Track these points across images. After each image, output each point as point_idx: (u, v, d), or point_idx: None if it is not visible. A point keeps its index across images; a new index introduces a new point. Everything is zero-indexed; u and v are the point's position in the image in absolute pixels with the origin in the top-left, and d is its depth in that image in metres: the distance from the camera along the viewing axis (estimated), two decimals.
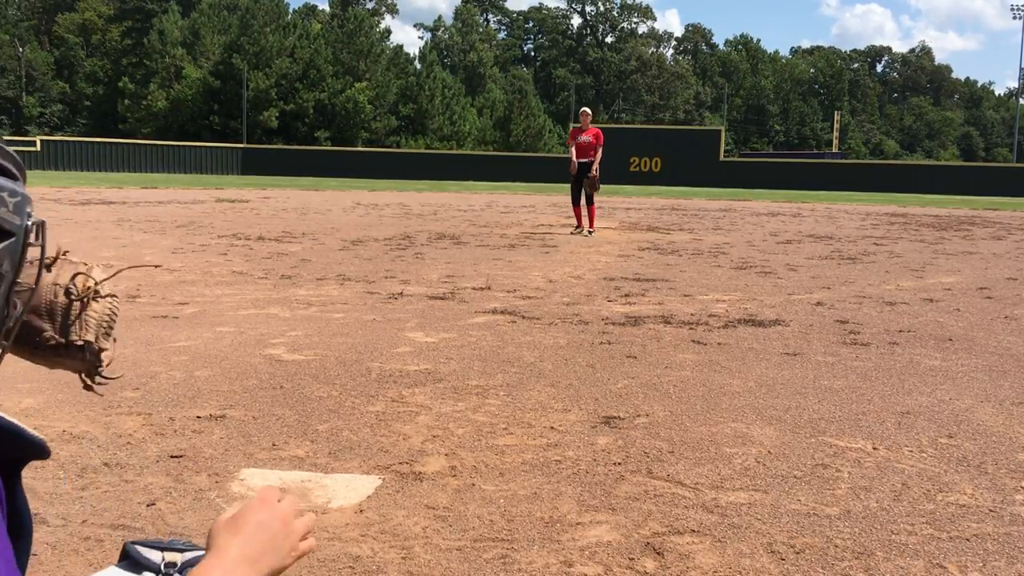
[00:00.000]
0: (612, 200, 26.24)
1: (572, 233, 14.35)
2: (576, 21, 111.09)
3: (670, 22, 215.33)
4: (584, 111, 14.89)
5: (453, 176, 41.43)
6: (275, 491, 1.03)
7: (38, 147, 41.70)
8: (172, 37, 62.54)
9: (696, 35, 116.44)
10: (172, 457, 3.43)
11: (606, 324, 6.38)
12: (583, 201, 14.37)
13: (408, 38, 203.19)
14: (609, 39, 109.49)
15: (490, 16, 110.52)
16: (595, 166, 14.28)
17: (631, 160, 41.60)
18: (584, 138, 14.46)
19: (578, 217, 14.63)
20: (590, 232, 14.24)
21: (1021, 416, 4.25)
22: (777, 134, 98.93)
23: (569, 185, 14.85)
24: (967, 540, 2.83)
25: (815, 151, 78.72)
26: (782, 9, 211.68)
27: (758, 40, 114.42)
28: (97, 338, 1.14)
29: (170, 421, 3.87)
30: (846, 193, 35.45)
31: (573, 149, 14.66)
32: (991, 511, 3.07)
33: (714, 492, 3.19)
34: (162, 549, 1.10)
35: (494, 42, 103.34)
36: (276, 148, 49.95)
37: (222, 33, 62.25)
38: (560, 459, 3.51)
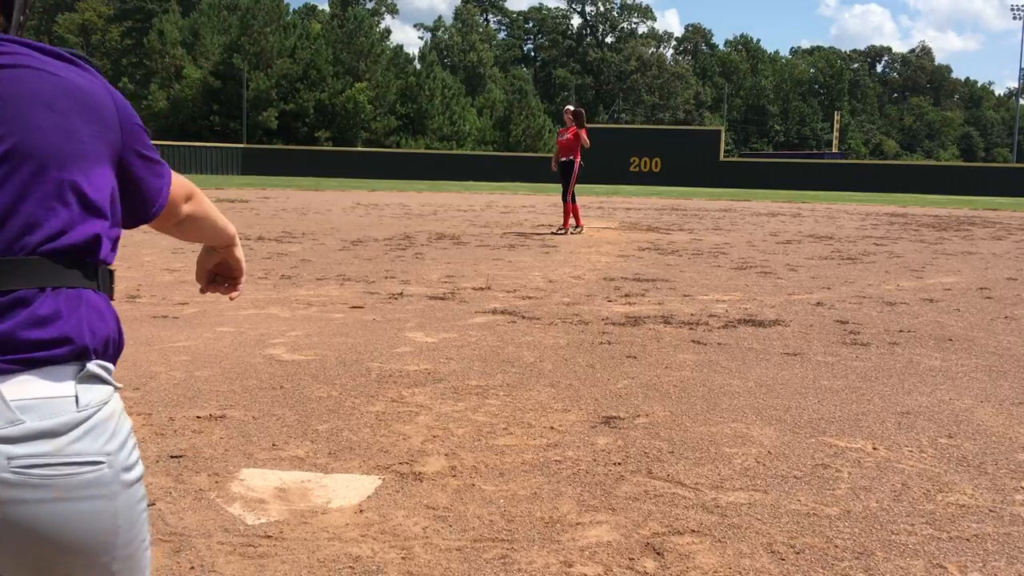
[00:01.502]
0: (612, 200, 26.26)
1: (558, 232, 14.33)
2: (576, 21, 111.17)
3: (670, 22, 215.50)
4: (566, 109, 14.80)
5: (453, 176, 41.41)
6: None
7: None
8: (172, 37, 62.51)
9: (696, 35, 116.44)
10: (172, 457, 3.43)
11: (606, 324, 6.39)
12: (571, 199, 14.35)
13: (408, 38, 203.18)
14: (609, 39, 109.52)
15: (490, 16, 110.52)
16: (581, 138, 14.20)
17: (631, 160, 41.61)
18: (565, 136, 14.46)
19: (574, 215, 14.61)
20: (564, 231, 14.23)
21: (1021, 416, 4.25)
22: (777, 134, 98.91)
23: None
24: (967, 540, 2.83)
25: (815, 151, 78.66)
26: (782, 9, 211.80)
27: (758, 40, 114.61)
28: None
29: (170, 421, 3.87)
30: (846, 193, 35.44)
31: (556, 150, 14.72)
32: (991, 511, 3.07)
33: (714, 492, 3.19)
34: None
35: (494, 42, 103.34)
36: (276, 148, 49.95)
37: (222, 33, 62.20)
38: (560, 459, 3.51)
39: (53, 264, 1.14)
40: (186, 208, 1.44)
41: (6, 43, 1.18)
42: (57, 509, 1.08)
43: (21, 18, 1.27)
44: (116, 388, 1.20)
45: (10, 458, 1.05)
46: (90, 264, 1.19)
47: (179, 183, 1.42)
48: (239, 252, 1.66)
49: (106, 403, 1.15)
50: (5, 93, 1.14)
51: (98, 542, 1.13)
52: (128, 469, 1.16)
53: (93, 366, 1.15)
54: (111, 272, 1.24)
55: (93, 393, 1.14)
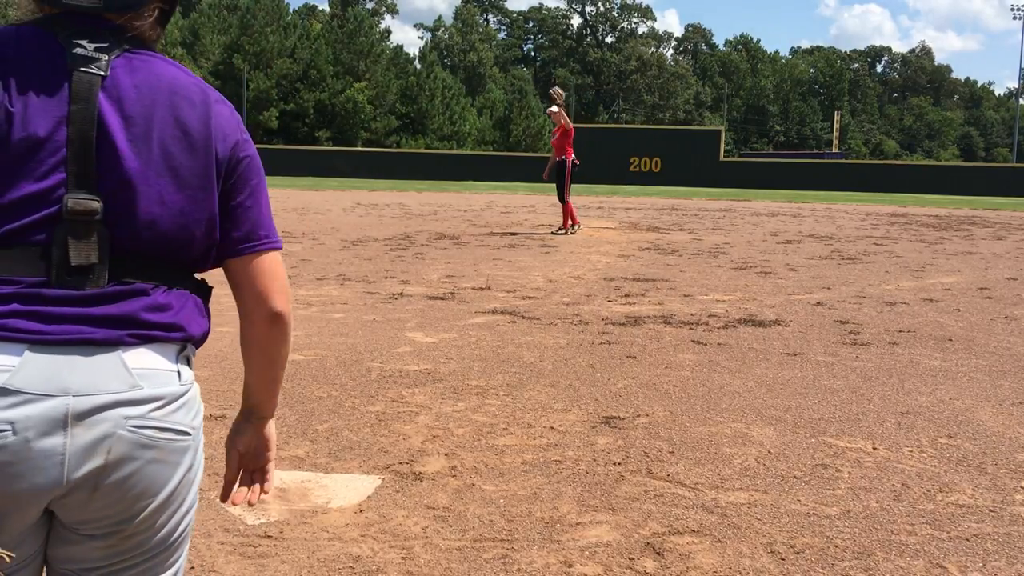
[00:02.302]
0: (612, 200, 26.26)
1: (558, 232, 14.33)
2: (576, 21, 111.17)
3: (670, 22, 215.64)
4: (550, 111, 14.72)
5: (453, 176, 41.39)
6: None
7: None
8: (172, 37, 62.45)
9: (696, 35, 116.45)
10: None
11: (606, 324, 6.39)
12: (567, 198, 14.34)
13: (408, 38, 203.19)
14: (609, 39, 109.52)
15: (490, 16, 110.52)
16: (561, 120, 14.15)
17: (631, 160, 41.59)
18: (556, 136, 14.42)
19: (571, 216, 14.59)
20: (564, 231, 14.21)
21: (1021, 416, 4.25)
22: (777, 134, 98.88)
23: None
24: (967, 540, 2.83)
25: (815, 151, 78.61)
26: (782, 9, 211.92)
27: (758, 40, 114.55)
28: None
29: None
30: (846, 193, 35.43)
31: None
32: (991, 511, 3.07)
33: (714, 492, 3.19)
34: None
35: (494, 42, 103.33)
36: (276, 148, 49.94)
37: (222, 33, 62.20)
38: (560, 459, 3.52)
39: (169, 267, 1.29)
40: (263, 315, 1.40)
41: (157, 60, 1.31)
42: (156, 469, 1.22)
43: (162, 30, 1.38)
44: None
45: (127, 417, 1.19)
46: (192, 272, 1.35)
47: (269, 277, 1.40)
48: (273, 429, 1.51)
49: (193, 383, 1.31)
50: (140, 109, 1.25)
51: (175, 505, 1.28)
52: (201, 447, 1.32)
53: (190, 349, 1.32)
54: (210, 288, 1.40)
55: (188, 373, 1.30)
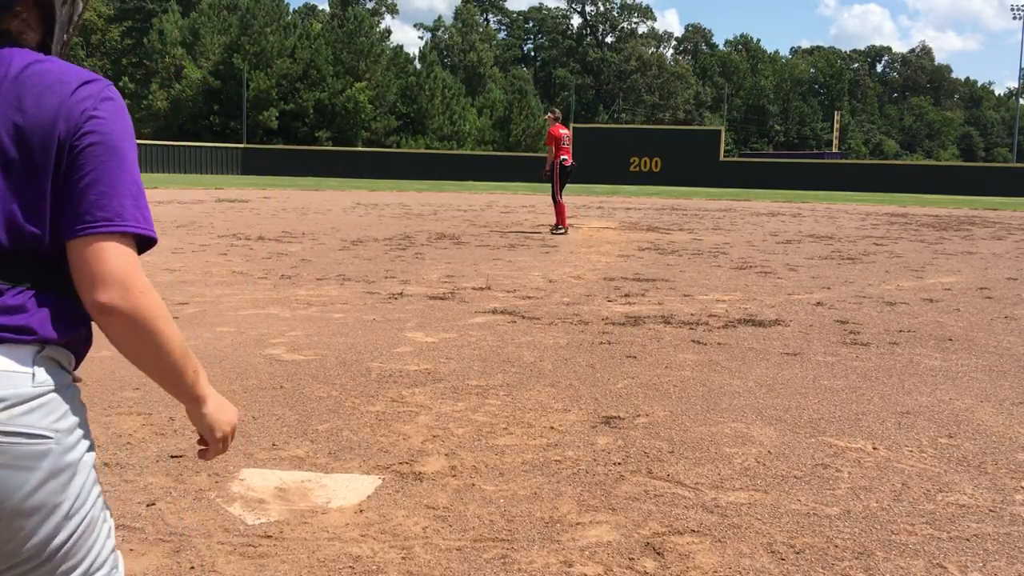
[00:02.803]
0: (612, 200, 26.25)
1: (556, 232, 14.36)
2: (576, 21, 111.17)
3: (670, 22, 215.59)
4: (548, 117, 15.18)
5: (453, 176, 41.40)
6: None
7: None
8: (172, 37, 62.47)
9: (696, 35, 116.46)
10: (172, 457, 3.43)
11: (606, 324, 6.39)
12: (559, 198, 14.43)
13: (408, 38, 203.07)
14: (609, 39, 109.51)
15: (490, 16, 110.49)
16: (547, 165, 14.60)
17: (631, 160, 41.60)
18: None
19: (559, 216, 14.65)
20: (563, 230, 14.24)
21: (1021, 416, 4.25)
22: (777, 134, 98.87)
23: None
24: (967, 540, 2.83)
25: (815, 151, 78.61)
26: (782, 9, 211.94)
27: (758, 40, 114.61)
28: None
29: (170, 421, 3.87)
30: (846, 193, 35.44)
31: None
32: (991, 511, 3.07)
33: (714, 492, 3.19)
34: None
35: (494, 42, 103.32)
36: (276, 148, 49.92)
37: (222, 33, 62.16)
38: (560, 459, 3.52)
39: (34, 268, 1.23)
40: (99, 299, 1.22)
41: (13, 52, 1.28)
42: (2, 475, 1.15)
43: (65, 36, 1.36)
44: (75, 379, 1.28)
45: None
46: (54, 270, 1.25)
47: (95, 263, 1.22)
48: (209, 417, 1.42)
49: (64, 386, 1.23)
50: None
51: (43, 512, 1.19)
52: (73, 450, 1.22)
53: (51, 350, 1.23)
54: None
55: (52, 375, 1.21)
